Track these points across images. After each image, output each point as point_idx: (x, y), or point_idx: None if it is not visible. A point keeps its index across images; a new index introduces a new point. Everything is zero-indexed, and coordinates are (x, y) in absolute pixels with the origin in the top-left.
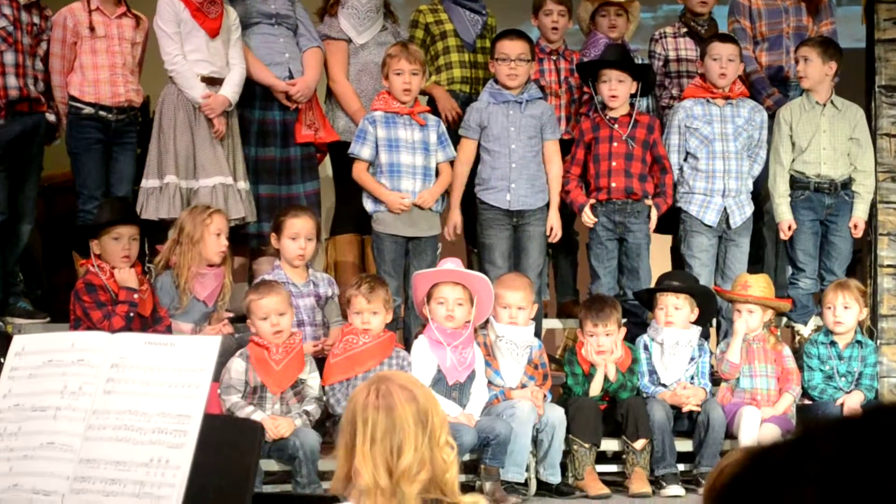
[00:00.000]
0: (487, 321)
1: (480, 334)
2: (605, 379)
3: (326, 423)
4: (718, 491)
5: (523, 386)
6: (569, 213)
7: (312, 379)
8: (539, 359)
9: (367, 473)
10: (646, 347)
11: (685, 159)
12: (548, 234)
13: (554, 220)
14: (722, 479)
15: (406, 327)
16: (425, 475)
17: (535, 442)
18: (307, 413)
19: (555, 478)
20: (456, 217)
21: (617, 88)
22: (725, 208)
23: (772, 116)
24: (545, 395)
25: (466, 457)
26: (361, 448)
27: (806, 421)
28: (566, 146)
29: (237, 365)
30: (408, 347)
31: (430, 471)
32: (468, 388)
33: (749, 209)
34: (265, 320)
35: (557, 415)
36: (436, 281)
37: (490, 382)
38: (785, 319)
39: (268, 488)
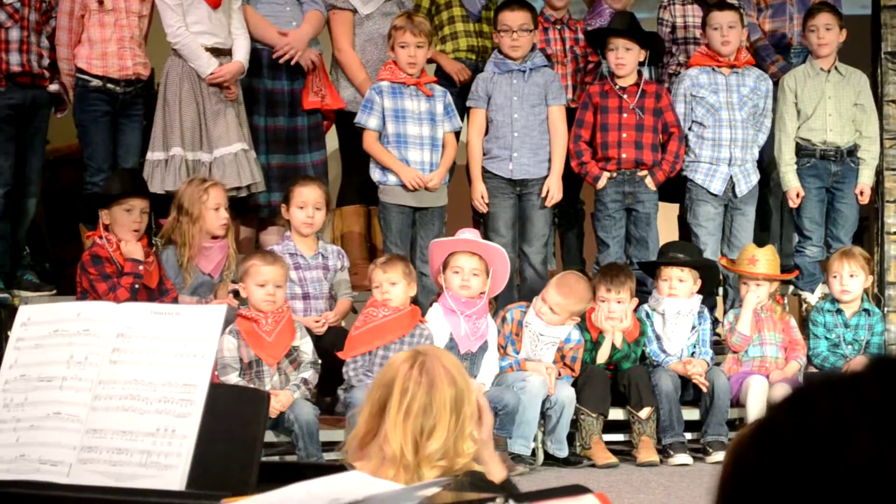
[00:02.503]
0: (533, 296)
1: (518, 310)
2: (612, 347)
3: (337, 393)
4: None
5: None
6: (575, 183)
7: (305, 344)
8: (573, 353)
9: (396, 442)
10: (647, 316)
11: (690, 128)
12: (544, 196)
13: (553, 185)
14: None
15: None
16: (445, 463)
17: (544, 416)
18: (305, 381)
19: (561, 452)
20: (480, 188)
21: (624, 57)
22: (731, 177)
23: (775, 84)
24: (559, 373)
25: None
26: (395, 416)
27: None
28: (572, 116)
29: (228, 343)
30: None
31: (451, 460)
32: (480, 358)
33: (755, 178)
34: (262, 287)
35: (568, 394)
36: (452, 250)
37: (507, 354)
38: (791, 288)
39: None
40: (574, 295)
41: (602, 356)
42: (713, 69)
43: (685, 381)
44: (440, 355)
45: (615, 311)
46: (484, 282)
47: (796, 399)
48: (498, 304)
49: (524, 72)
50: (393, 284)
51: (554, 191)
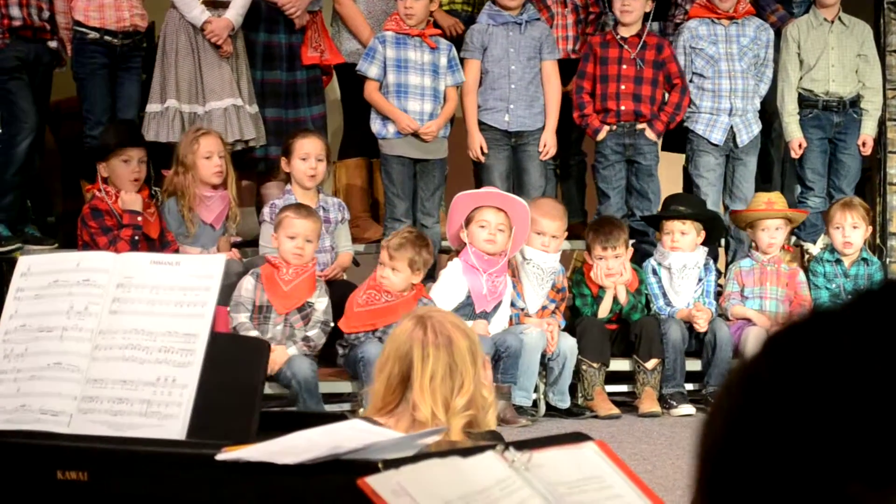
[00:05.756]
0: None
1: None
2: (615, 301)
3: (337, 348)
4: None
5: (543, 308)
6: (576, 134)
7: (320, 303)
8: (561, 283)
9: (426, 408)
10: (654, 272)
11: (691, 80)
12: (540, 150)
13: (549, 138)
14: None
15: None
16: (473, 410)
17: (546, 367)
18: (307, 339)
19: (563, 403)
20: (479, 138)
21: (630, 4)
22: (732, 127)
23: (777, 34)
24: (559, 325)
25: None
26: (420, 382)
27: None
28: (573, 67)
29: (247, 283)
30: None
31: (476, 408)
32: (491, 316)
33: (756, 128)
34: (292, 240)
35: (569, 344)
36: (479, 203)
37: (511, 304)
38: (794, 238)
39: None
40: (560, 215)
41: (603, 311)
42: (712, 21)
43: (689, 332)
44: (440, 313)
45: (614, 267)
46: (507, 238)
47: (774, 339)
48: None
49: (520, 24)
50: (394, 271)
51: (550, 145)
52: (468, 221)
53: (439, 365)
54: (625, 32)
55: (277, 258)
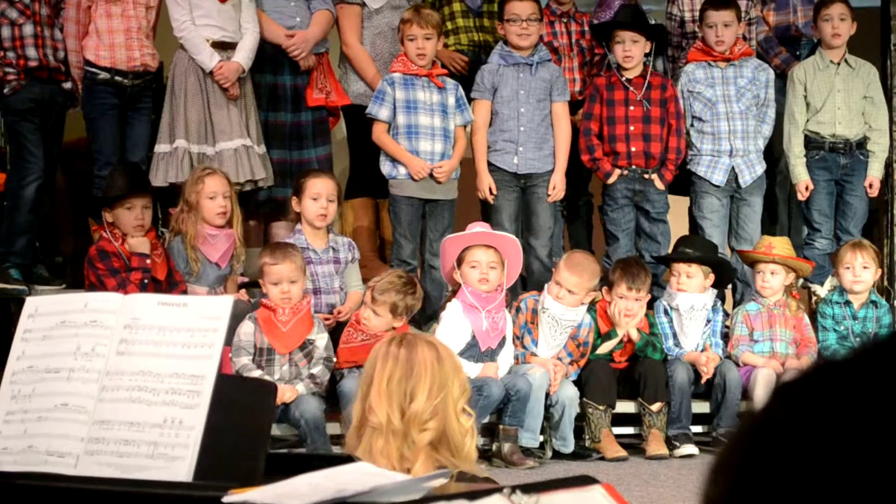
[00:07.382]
0: (542, 288)
1: (532, 299)
2: (621, 343)
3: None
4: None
5: (559, 359)
6: (583, 175)
7: (320, 339)
8: (585, 337)
9: (381, 411)
10: (665, 312)
11: (691, 124)
12: (549, 192)
13: (559, 181)
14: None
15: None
16: (436, 425)
17: (548, 412)
18: (312, 376)
19: (566, 448)
20: (488, 179)
21: (631, 49)
22: (734, 168)
23: (783, 76)
24: (567, 373)
25: (486, 419)
26: (378, 386)
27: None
28: (577, 107)
29: (246, 327)
30: (422, 311)
31: (443, 425)
32: (498, 354)
33: (760, 168)
34: (276, 286)
35: (569, 394)
36: (466, 244)
37: (523, 346)
38: (801, 280)
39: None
40: (587, 272)
41: (604, 348)
42: (709, 63)
43: (697, 375)
44: (421, 335)
45: (633, 308)
46: (500, 274)
47: (787, 387)
48: (507, 297)
49: (531, 65)
50: (375, 314)
51: (560, 188)
52: (459, 262)
53: (397, 367)
54: (629, 74)
55: (271, 301)
